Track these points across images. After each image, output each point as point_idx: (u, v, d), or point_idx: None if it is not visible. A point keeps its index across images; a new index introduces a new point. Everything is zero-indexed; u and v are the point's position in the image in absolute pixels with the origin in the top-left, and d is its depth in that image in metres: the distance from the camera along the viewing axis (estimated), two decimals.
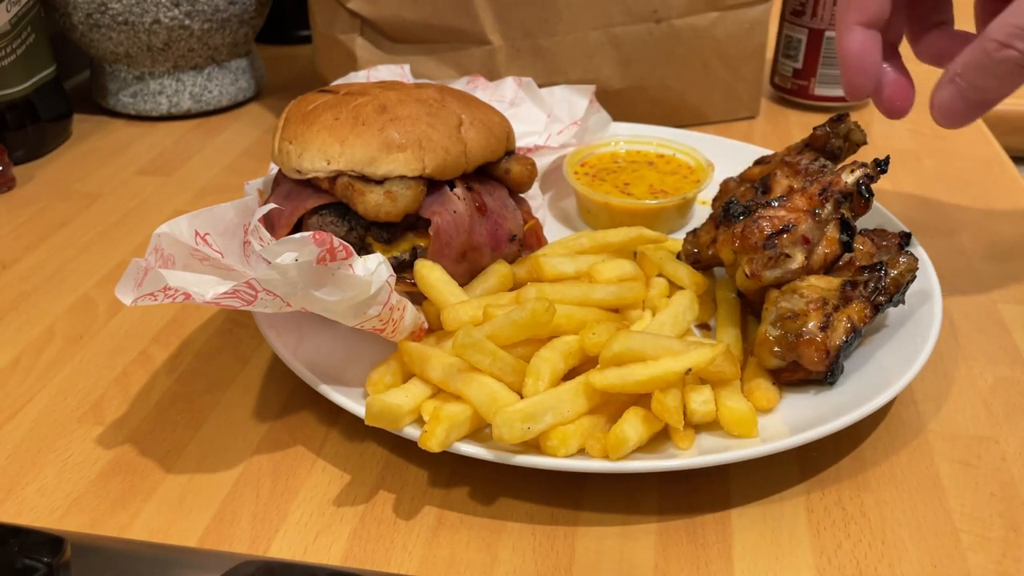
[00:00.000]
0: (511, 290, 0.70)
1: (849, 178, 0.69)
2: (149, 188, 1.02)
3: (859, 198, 0.69)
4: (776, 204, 0.68)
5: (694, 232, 0.76)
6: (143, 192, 1.01)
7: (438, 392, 0.60)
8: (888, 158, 0.70)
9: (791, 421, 0.61)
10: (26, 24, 1.02)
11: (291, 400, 0.68)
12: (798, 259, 0.66)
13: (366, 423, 0.57)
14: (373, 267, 0.59)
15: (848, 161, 0.71)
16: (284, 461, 0.62)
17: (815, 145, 0.77)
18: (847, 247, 0.68)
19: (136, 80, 1.16)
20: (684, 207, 0.89)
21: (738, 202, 0.70)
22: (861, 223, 0.80)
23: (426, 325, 0.66)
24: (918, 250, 0.76)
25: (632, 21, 1.05)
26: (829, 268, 0.68)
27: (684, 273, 0.73)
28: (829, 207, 0.68)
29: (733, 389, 0.61)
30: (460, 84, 0.97)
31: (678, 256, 0.76)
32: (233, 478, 0.61)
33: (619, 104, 1.08)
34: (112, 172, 1.05)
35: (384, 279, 0.59)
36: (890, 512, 0.58)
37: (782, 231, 0.66)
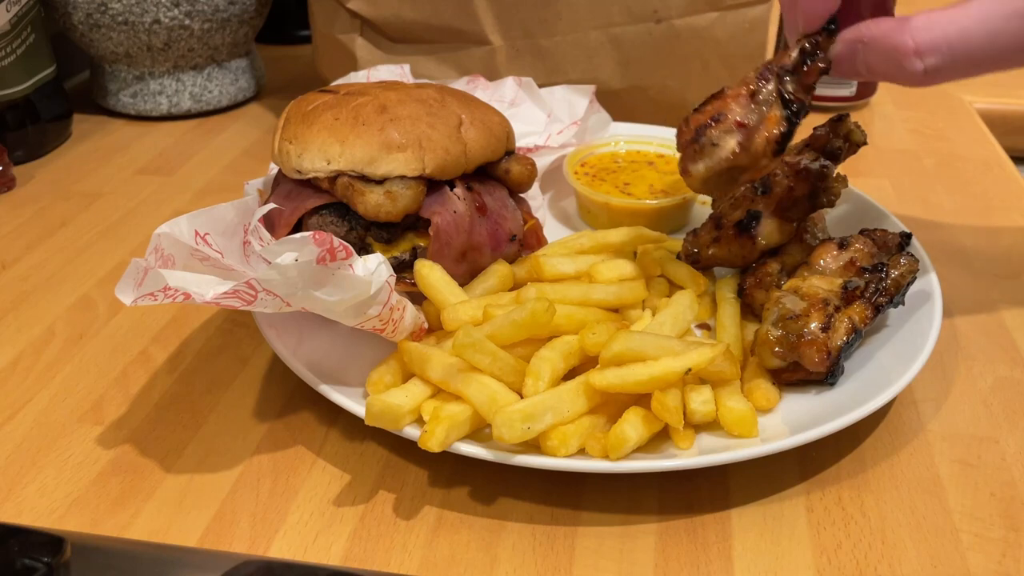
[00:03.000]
0: (511, 290, 0.70)
1: (793, 51, 0.66)
2: (149, 188, 1.02)
3: (805, 67, 0.66)
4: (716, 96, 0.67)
5: (694, 232, 0.76)
6: (143, 192, 1.01)
7: (438, 392, 0.60)
8: (835, 18, 0.66)
9: (791, 421, 0.61)
10: (26, 24, 1.02)
11: (291, 400, 0.68)
12: (729, 146, 0.65)
13: (366, 423, 0.57)
14: (373, 267, 0.59)
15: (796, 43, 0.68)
16: (284, 461, 0.62)
17: (815, 145, 0.77)
18: (792, 122, 0.66)
19: (136, 80, 1.16)
20: (684, 207, 0.89)
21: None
22: (861, 222, 0.80)
23: (426, 325, 0.66)
24: (918, 250, 0.76)
25: (632, 21, 1.05)
26: (782, 147, 0.67)
27: (684, 273, 0.73)
28: (771, 86, 0.66)
29: (733, 389, 0.61)
30: (460, 84, 0.97)
31: (678, 256, 0.76)
32: (233, 478, 0.61)
33: (619, 104, 1.08)
34: (112, 172, 1.05)
35: (384, 279, 0.59)
36: (890, 512, 0.58)
37: (710, 123, 0.65)
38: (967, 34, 0.60)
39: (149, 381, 0.70)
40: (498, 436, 0.55)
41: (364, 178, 0.67)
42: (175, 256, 0.60)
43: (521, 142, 0.90)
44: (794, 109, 0.66)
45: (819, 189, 0.73)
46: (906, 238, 0.74)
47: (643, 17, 1.05)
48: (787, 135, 0.66)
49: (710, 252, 0.74)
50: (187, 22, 1.11)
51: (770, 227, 0.73)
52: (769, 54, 1.23)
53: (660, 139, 0.98)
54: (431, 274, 0.66)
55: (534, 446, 0.57)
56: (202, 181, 1.03)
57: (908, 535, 0.56)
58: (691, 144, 0.66)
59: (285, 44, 1.48)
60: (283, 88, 1.31)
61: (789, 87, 0.67)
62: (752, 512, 0.58)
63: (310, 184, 0.70)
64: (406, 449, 0.62)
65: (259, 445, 0.64)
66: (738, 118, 0.65)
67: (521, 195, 0.79)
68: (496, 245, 0.72)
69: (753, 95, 0.66)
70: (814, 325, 0.62)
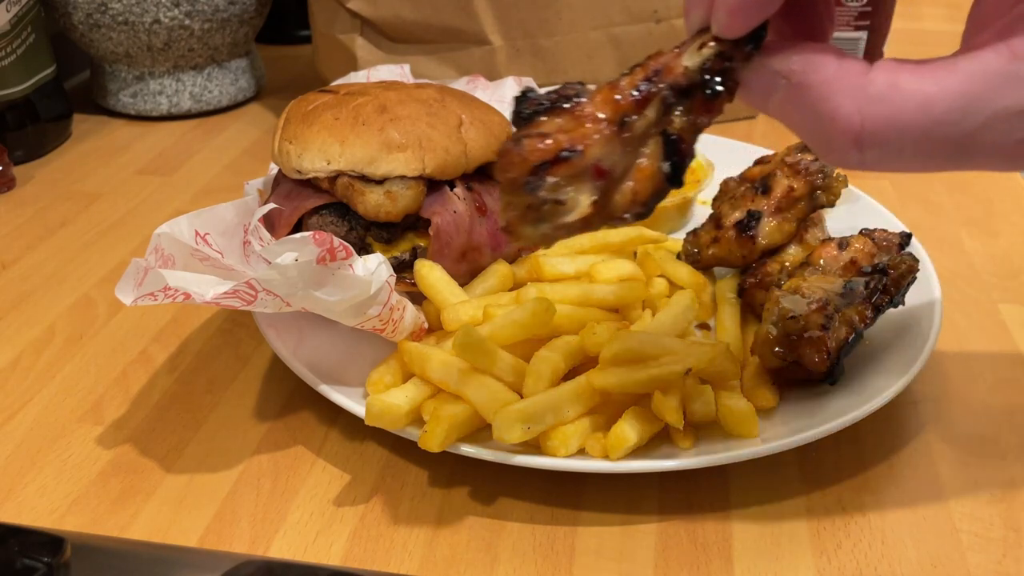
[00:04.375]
0: (511, 290, 0.70)
1: (691, 60, 0.41)
2: (149, 188, 1.02)
3: (703, 96, 0.41)
4: (573, 102, 0.42)
5: (694, 232, 0.76)
6: (143, 192, 1.01)
7: (438, 392, 0.60)
8: (766, 26, 0.40)
9: (791, 421, 0.61)
10: (26, 24, 1.02)
11: (291, 400, 0.68)
12: (580, 206, 0.42)
13: (366, 423, 0.57)
14: (373, 267, 0.59)
15: (696, 37, 0.42)
16: (284, 461, 0.62)
17: None
18: (674, 182, 0.42)
19: (136, 80, 1.16)
20: (684, 207, 0.89)
21: (530, 95, 0.43)
22: (861, 222, 0.80)
23: (426, 325, 0.66)
24: (918, 250, 0.76)
25: (632, 21, 1.05)
26: (649, 209, 0.43)
27: (684, 273, 0.73)
28: (651, 114, 0.42)
29: (733, 389, 0.61)
30: (460, 84, 0.97)
31: (678, 256, 0.76)
32: (233, 478, 0.61)
33: None
34: (112, 172, 1.05)
35: (384, 279, 0.59)
36: (890, 512, 0.58)
37: (558, 160, 0.41)
38: (932, 132, 0.38)
39: (149, 381, 0.70)
40: (498, 436, 0.55)
41: (364, 178, 0.67)
42: (175, 256, 0.60)
43: None
44: (677, 161, 0.42)
45: (819, 189, 0.73)
46: (906, 238, 0.74)
47: (643, 17, 1.05)
48: (660, 195, 0.43)
49: (710, 252, 0.74)
50: (187, 22, 1.11)
51: (770, 227, 0.73)
52: None
53: None
54: (431, 274, 0.66)
55: (534, 446, 0.57)
56: (202, 181, 1.03)
57: (908, 535, 0.56)
58: (524, 193, 0.41)
59: (285, 44, 1.48)
60: (283, 88, 1.31)
61: (676, 122, 0.42)
62: (752, 512, 0.58)
63: (310, 184, 0.70)
64: (406, 449, 0.62)
65: (259, 445, 0.64)
66: (598, 161, 0.41)
67: None
68: (496, 245, 0.72)
69: (623, 124, 0.41)
70: (814, 325, 0.62)
